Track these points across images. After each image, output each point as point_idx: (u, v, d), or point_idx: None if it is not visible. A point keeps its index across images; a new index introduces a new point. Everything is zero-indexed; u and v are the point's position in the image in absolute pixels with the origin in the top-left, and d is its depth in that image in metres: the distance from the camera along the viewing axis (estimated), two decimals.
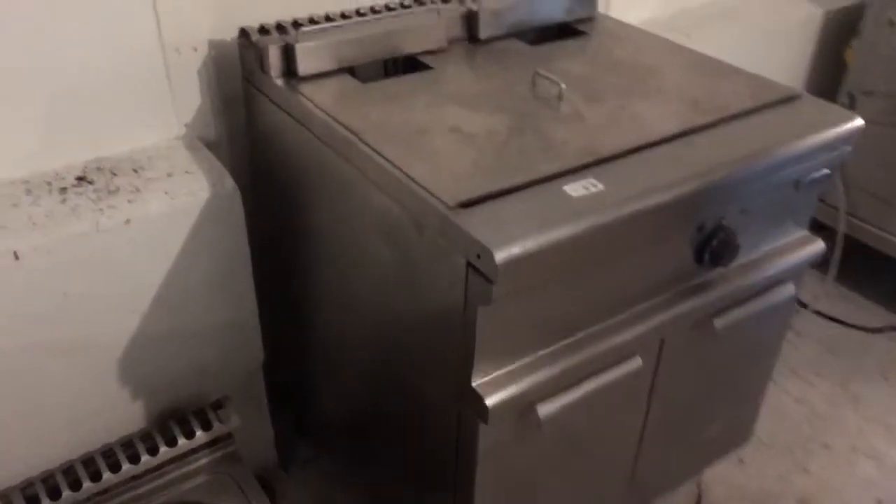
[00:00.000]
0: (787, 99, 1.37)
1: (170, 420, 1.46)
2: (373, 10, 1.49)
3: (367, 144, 1.16)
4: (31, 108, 1.31)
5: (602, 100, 1.33)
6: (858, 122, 1.33)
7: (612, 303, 1.21)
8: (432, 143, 1.19)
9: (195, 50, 1.42)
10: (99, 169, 1.38)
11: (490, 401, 1.09)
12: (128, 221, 1.30)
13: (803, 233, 1.46)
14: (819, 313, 2.34)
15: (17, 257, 1.22)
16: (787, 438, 1.96)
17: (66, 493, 1.33)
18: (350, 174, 1.20)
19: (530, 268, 1.00)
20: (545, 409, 1.16)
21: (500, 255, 0.96)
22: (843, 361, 2.20)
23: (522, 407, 1.15)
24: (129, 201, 1.32)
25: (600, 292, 1.17)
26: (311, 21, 1.43)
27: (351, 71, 1.40)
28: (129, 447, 1.41)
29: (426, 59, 1.45)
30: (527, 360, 1.14)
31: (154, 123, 1.44)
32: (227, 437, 1.49)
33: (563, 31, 1.64)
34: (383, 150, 1.14)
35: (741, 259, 1.34)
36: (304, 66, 1.34)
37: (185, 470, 1.45)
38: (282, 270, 1.59)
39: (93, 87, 1.34)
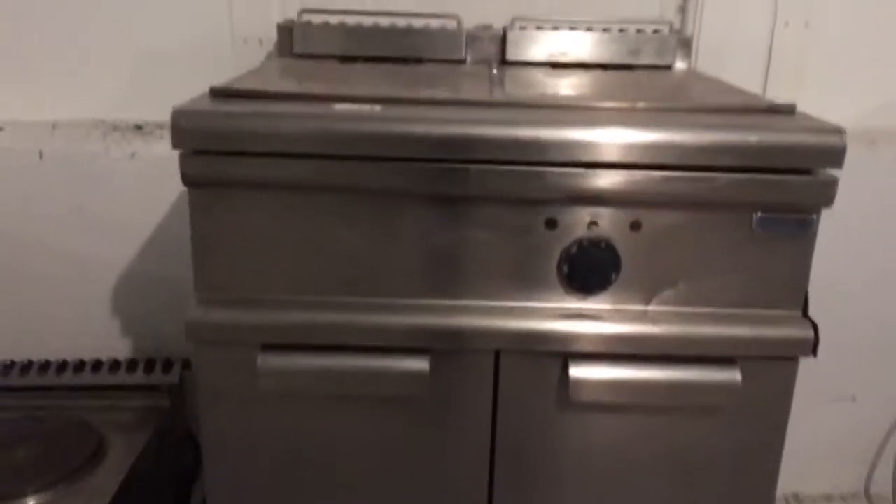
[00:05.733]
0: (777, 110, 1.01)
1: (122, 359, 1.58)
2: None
3: None
4: (119, 67, 1.62)
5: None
6: (840, 135, 0.91)
7: (395, 272, 0.99)
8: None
9: (261, 43, 1.61)
10: (158, 126, 1.63)
11: (195, 315, 0.98)
12: (133, 155, 1.51)
13: (780, 312, 1.00)
14: None
15: (41, 156, 1.51)
16: None
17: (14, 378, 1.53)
18: None
19: (225, 142, 0.92)
20: (266, 360, 0.98)
21: (180, 114, 0.92)
22: None
23: (240, 345, 1.00)
24: (147, 143, 1.53)
25: (369, 247, 0.98)
26: None
27: None
28: (80, 366, 1.56)
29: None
30: (260, 296, 1.00)
31: None
32: (166, 391, 1.54)
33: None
34: None
35: (660, 300, 0.99)
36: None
37: (115, 402, 1.52)
38: None
39: (170, 61, 1.62)
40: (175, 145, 0.93)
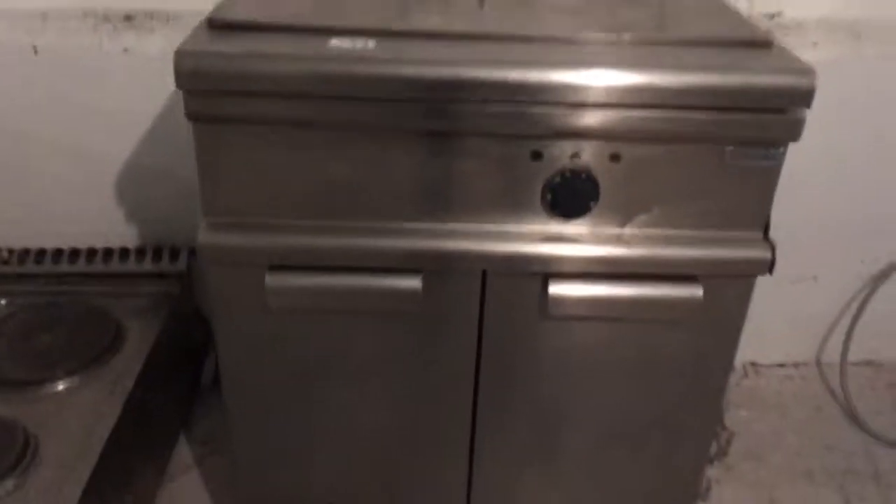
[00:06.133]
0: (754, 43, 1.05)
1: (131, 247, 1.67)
2: None
3: None
4: None
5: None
6: (811, 77, 0.97)
7: (390, 200, 1.07)
8: None
9: None
10: (148, 15, 1.62)
11: (205, 238, 1.06)
12: (126, 50, 1.53)
13: (744, 233, 1.09)
14: None
15: (35, 52, 1.52)
16: None
17: (31, 265, 1.62)
18: None
19: (226, 83, 0.96)
20: (274, 280, 1.08)
21: (182, 56, 0.95)
22: None
23: (250, 266, 1.09)
24: (139, 37, 1.54)
25: (366, 177, 1.05)
26: None
27: None
28: (92, 253, 1.65)
29: None
30: (266, 221, 1.07)
31: None
32: (175, 278, 1.64)
33: None
34: None
35: (634, 224, 1.08)
36: None
37: (127, 290, 1.63)
38: None
39: None
40: (179, 85, 0.97)
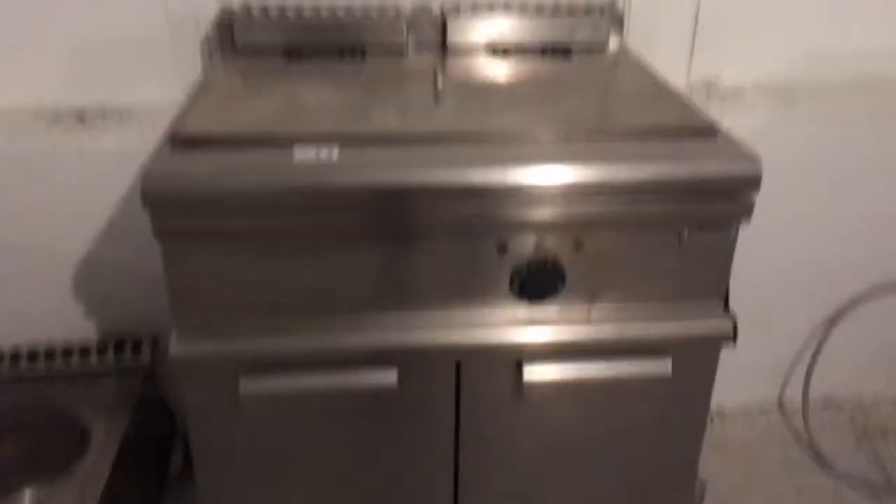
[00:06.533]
0: (700, 131, 1.10)
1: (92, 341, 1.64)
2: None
3: None
4: (56, 54, 1.58)
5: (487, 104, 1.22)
6: (757, 164, 1.01)
7: (361, 298, 1.08)
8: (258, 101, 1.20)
9: (197, 23, 1.59)
10: (100, 113, 1.62)
11: (177, 350, 1.06)
12: (80, 152, 1.52)
13: (705, 306, 1.13)
14: None
15: None
16: None
17: None
18: None
19: (194, 202, 0.98)
20: (248, 385, 1.08)
21: (149, 176, 0.96)
22: None
23: (224, 373, 1.09)
24: (93, 138, 1.53)
25: (336, 278, 1.06)
26: None
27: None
28: (50, 353, 1.62)
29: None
30: (239, 325, 1.07)
31: (159, 85, 1.64)
32: (139, 372, 1.62)
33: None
34: None
35: (601, 303, 1.11)
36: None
37: (90, 388, 1.60)
38: None
39: (108, 46, 1.57)
40: (145, 205, 0.97)
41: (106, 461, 1.44)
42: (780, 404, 1.99)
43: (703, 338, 1.14)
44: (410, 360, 1.11)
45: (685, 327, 1.13)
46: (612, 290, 1.11)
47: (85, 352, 1.63)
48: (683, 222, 1.06)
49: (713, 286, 1.13)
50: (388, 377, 1.10)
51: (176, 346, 1.06)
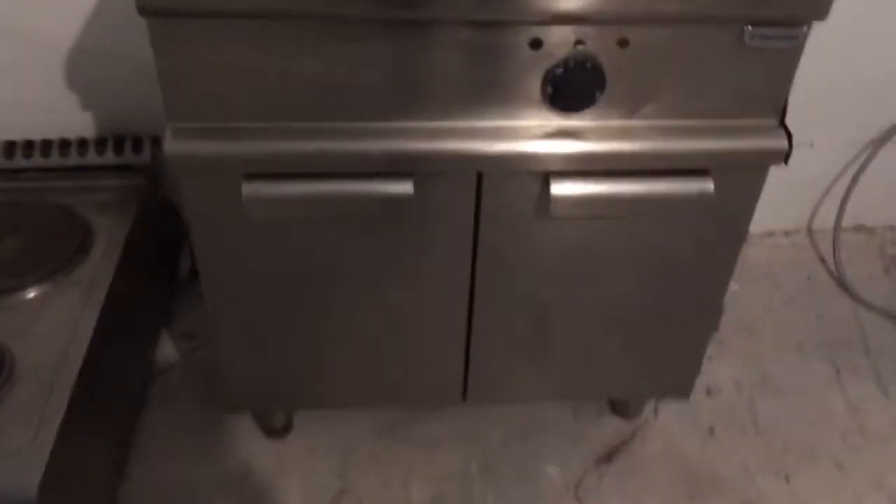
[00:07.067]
0: None
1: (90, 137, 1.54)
2: None
3: None
4: None
5: None
6: None
7: (374, 99, 0.96)
8: None
9: None
10: None
11: (172, 147, 0.96)
12: None
13: (759, 121, 1.01)
14: None
15: None
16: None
17: None
18: None
19: None
20: (252, 189, 0.99)
21: None
22: None
23: (224, 177, 1.00)
24: None
25: (345, 75, 0.94)
26: None
27: None
28: (47, 145, 1.52)
29: None
30: (239, 125, 0.97)
31: None
32: (140, 170, 1.54)
33: None
34: None
35: (642, 115, 0.99)
36: None
37: (90, 184, 1.52)
38: None
39: None
40: None
41: (111, 258, 1.38)
42: (810, 230, 1.91)
43: (753, 154, 1.03)
44: (428, 169, 1.01)
45: (734, 142, 1.02)
46: (656, 100, 0.99)
47: (83, 145, 1.53)
48: (747, 17, 0.92)
49: (770, 97, 1.00)
50: (404, 187, 1.00)
51: (171, 144, 0.97)
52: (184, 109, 0.95)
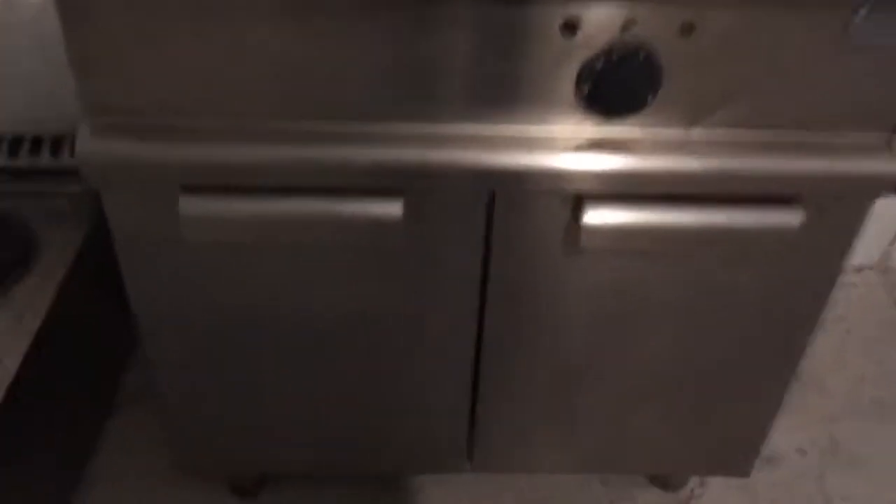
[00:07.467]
0: None
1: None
2: None
3: None
4: None
5: None
6: None
7: (358, 92, 0.73)
8: None
9: None
10: None
11: (88, 148, 0.74)
12: None
13: (865, 137, 0.77)
14: None
15: None
16: None
17: None
18: None
19: None
20: (191, 205, 0.76)
21: None
22: None
23: (154, 185, 0.77)
24: None
25: (323, 60, 0.71)
26: None
27: None
28: None
29: None
30: (176, 123, 0.74)
31: None
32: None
33: None
34: None
35: (708, 124, 0.75)
36: None
37: (38, 188, 1.31)
38: None
39: None
40: None
41: (53, 280, 1.18)
42: (884, 266, 1.65)
43: (858, 179, 0.78)
44: (424, 185, 0.78)
45: (831, 163, 0.77)
46: (727, 105, 0.74)
47: (16, 143, 1.32)
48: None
49: (879, 106, 0.76)
50: (391, 208, 0.77)
51: (86, 146, 0.74)
52: (104, 101, 0.73)
